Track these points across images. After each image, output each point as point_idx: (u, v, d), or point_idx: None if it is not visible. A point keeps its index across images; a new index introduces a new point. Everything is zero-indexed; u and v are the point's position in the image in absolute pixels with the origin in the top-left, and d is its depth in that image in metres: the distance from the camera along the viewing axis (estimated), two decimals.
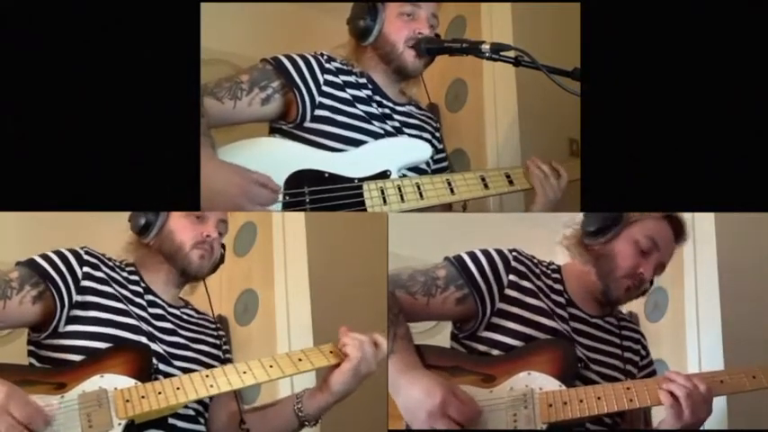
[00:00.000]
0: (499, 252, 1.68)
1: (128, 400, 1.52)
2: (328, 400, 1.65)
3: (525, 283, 1.66)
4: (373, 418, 1.78)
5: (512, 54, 1.81)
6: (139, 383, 1.55)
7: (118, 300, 1.64)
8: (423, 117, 1.98)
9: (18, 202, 1.78)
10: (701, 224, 2.14)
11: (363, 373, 1.63)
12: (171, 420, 1.60)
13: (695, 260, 2.16)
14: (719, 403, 1.98)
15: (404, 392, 1.54)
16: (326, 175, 1.78)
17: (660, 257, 1.68)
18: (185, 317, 1.75)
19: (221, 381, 1.59)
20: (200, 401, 1.67)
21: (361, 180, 1.79)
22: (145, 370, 1.58)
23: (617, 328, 1.74)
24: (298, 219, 2.27)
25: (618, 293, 1.68)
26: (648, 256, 1.67)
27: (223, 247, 1.78)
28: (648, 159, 1.83)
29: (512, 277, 1.66)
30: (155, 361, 1.61)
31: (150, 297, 1.70)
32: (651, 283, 1.72)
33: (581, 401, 1.56)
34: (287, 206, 1.76)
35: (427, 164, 1.92)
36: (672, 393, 1.52)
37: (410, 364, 1.56)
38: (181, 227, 1.71)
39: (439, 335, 1.84)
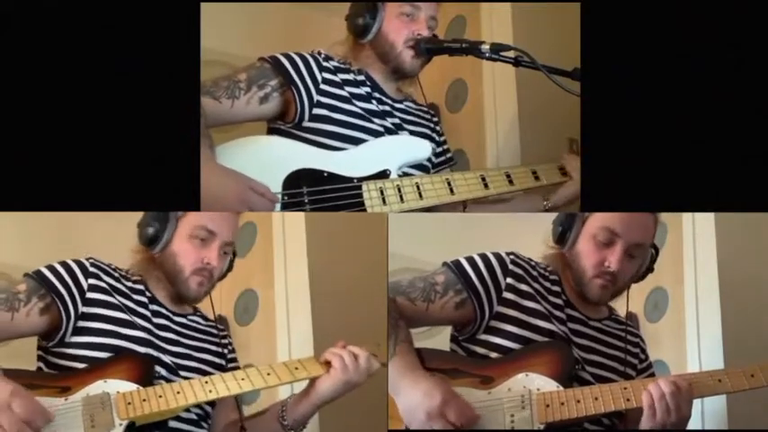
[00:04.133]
0: (497, 255, 1.69)
1: (129, 403, 1.56)
2: (314, 403, 1.67)
3: (523, 286, 1.67)
4: (373, 419, 1.78)
5: (512, 54, 1.82)
6: (141, 387, 1.59)
7: (122, 311, 1.65)
8: (420, 112, 1.99)
9: (17, 202, 1.78)
10: (701, 224, 2.14)
11: (348, 382, 1.64)
12: (172, 423, 1.63)
13: (695, 260, 2.15)
14: (720, 403, 1.99)
15: (404, 394, 1.55)
16: (325, 174, 1.78)
17: (626, 240, 1.65)
18: (192, 324, 1.76)
19: (220, 387, 1.62)
20: (202, 408, 1.69)
21: (361, 180, 1.79)
22: (147, 377, 1.61)
23: (617, 330, 1.74)
24: (298, 219, 2.27)
25: (594, 295, 1.67)
26: (611, 245, 1.65)
27: (234, 254, 1.78)
28: (648, 159, 1.83)
29: (509, 280, 1.66)
30: (158, 369, 1.64)
31: (155, 307, 1.71)
32: (650, 270, 1.71)
33: (578, 402, 1.56)
34: (285, 206, 1.75)
35: (428, 159, 1.92)
36: (650, 394, 1.53)
37: (411, 366, 1.58)
38: (183, 250, 1.69)
39: (437, 336, 1.84)
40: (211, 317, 1.81)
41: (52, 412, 1.52)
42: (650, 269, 1.72)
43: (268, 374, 1.65)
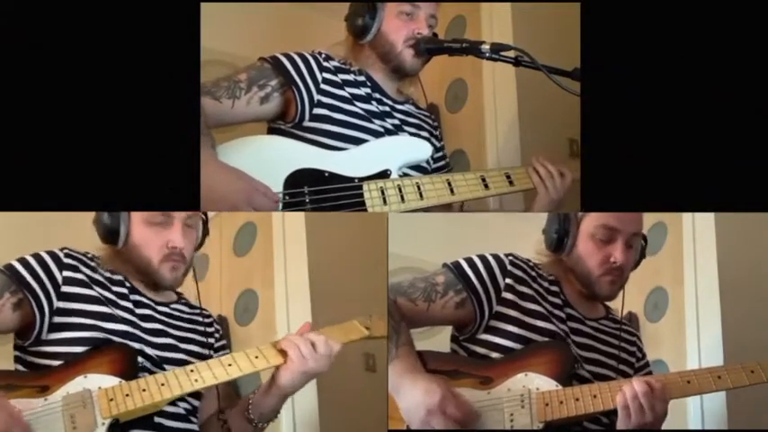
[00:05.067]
0: (495, 257, 1.70)
1: (111, 399, 1.49)
2: (277, 395, 1.62)
3: (521, 287, 1.67)
4: (373, 419, 1.78)
5: (512, 54, 1.82)
6: (123, 381, 1.52)
7: (101, 303, 1.59)
8: (421, 116, 1.99)
9: (17, 202, 1.78)
10: (701, 224, 2.14)
11: (306, 372, 1.60)
12: (159, 420, 1.57)
13: (695, 260, 2.16)
14: (719, 403, 1.99)
15: (404, 393, 1.56)
16: (326, 174, 1.78)
17: (627, 232, 1.67)
18: (176, 314, 1.70)
19: (206, 374, 1.56)
20: (189, 402, 1.64)
21: (362, 179, 1.79)
22: (130, 369, 1.54)
23: (613, 329, 1.74)
24: (298, 219, 2.27)
25: (604, 291, 1.69)
26: (612, 241, 1.67)
27: (205, 224, 1.71)
28: (648, 159, 1.83)
29: (508, 281, 1.67)
30: (142, 361, 1.57)
31: (136, 297, 1.65)
32: (643, 256, 1.72)
33: (577, 400, 1.57)
34: (287, 206, 1.75)
35: (427, 162, 1.92)
36: (624, 394, 1.54)
37: (411, 367, 1.59)
38: (145, 240, 1.62)
39: (437, 336, 1.85)
40: (201, 306, 1.76)
41: (27, 422, 1.44)
42: (643, 255, 1.74)
43: (256, 357, 1.58)
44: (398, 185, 1.80)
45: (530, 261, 1.73)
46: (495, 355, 1.64)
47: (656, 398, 1.53)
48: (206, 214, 1.71)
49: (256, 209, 1.69)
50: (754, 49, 1.82)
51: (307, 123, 1.81)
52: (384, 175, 1.81)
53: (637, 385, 1.54)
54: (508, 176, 1.87)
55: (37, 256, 1.59)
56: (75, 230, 2.04)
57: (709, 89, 1.82)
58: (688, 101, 1.83)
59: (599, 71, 1.81)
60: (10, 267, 1.57)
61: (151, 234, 1.63)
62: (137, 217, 1.62)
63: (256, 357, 1.60)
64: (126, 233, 1.62)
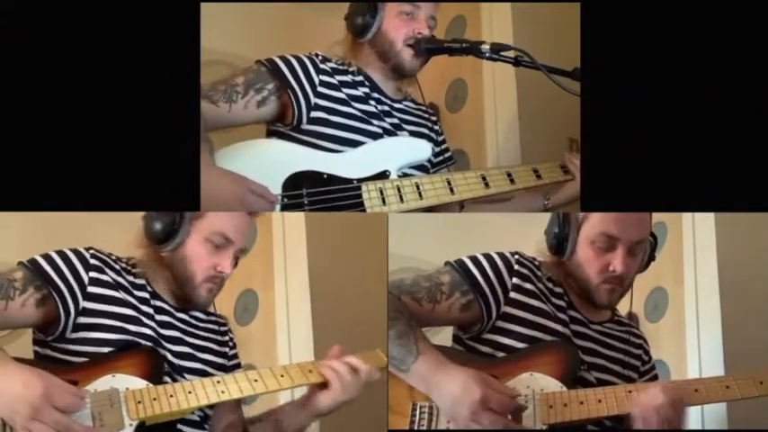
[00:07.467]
0: (501, 256, 1.67)
1: (139, 402, 1.51)
2: (311, 417, 1.66)
3: (528, 286, 1.65)
4: (373, 418, 1.78)
5: (512, 54, 1.82)
6: (151, 385, 1.53)
7: (126, 306, 1.59)
8: (419, 112, 1.99)
9: (18, 202, 1.78)
10: (701, 224, 2.14)
11: (345, 400, 1.64)
12: (178, 426, 1.58)
13: (695, 260, 2.16)
14: (719, 405, 1.98)
15: (441, 390, 1.53)
16: (325, 176, 1.78)
17: (626, 241, 1.63)
18: (193, 321, 1.70)
19: (232, 387, 1.58)
20: (202, 409, 1.64)
21: (360, 181, 1.79)
22: (156, 372, 1.55)
23: (619, 332, 1.72)
24: (298, 219, 2.27)
25: (603, 300, 1.66)
26: (612, 249, 1.63)
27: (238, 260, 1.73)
28: (648, 159, 1.83)
29: (515, 280, 1.65)
30: (164, 366, 1.59)
31: (157, 303, 1.64)
32: (653, 258, 1.70)
33: (581, 403, 1.55)
34: (285, 208, 1.75)
35: (428, 159, 1.91)
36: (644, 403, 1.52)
37: (441, 361, 1.56)
38: (196, 255, 1.62)
39: (439, 335, 1.84)
40: (216, 313, 1.76)
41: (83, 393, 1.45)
42: (652, 258, 1.72)
43: (282, 376, 1.61)
44: (397, 186, 1.80)
45: (535, 260, 1.70)
46: (501, 354, 1.62)
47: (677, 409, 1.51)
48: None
49: (250, 210, 1.68)
50: (754, 49, 1.82)
51: (305, 126, 1.81)
52: (383, 176, 1.81)
53: (659, 396, 1.51)
54: (509, 175, 1.87)
55: (62, 254, 1.58)
56: (76, 230, 2.05)
57: (709, 89, 1.82)
58: (688, 101, 1.82)
59: (599, 71, 1.80)
60: (34, 263, 1.55)
61: (204, 252, 1.63)
62: (197, 229, 1.62)
63: (282, 376, 1.62)
64: (181, 241, 1.62)
